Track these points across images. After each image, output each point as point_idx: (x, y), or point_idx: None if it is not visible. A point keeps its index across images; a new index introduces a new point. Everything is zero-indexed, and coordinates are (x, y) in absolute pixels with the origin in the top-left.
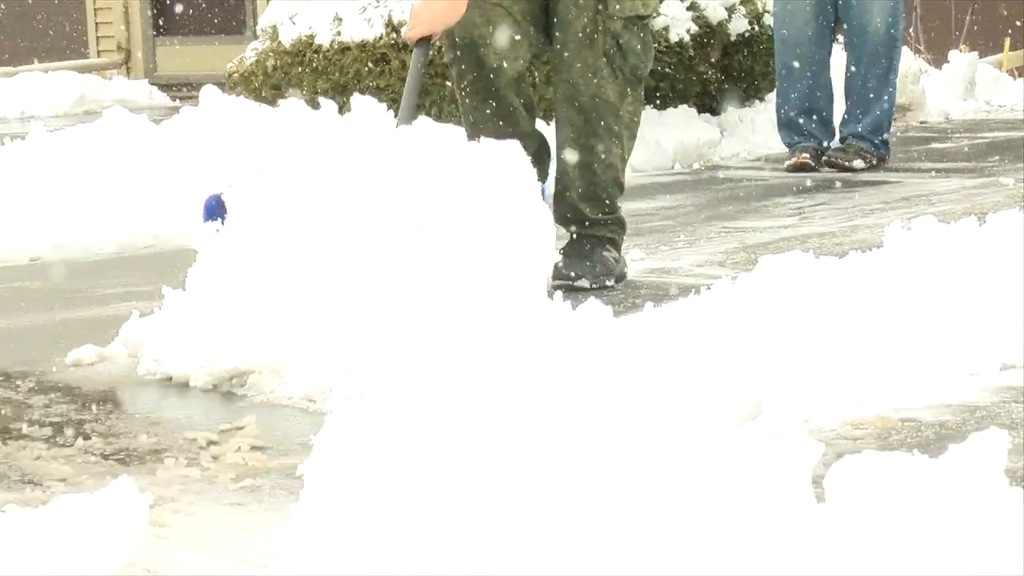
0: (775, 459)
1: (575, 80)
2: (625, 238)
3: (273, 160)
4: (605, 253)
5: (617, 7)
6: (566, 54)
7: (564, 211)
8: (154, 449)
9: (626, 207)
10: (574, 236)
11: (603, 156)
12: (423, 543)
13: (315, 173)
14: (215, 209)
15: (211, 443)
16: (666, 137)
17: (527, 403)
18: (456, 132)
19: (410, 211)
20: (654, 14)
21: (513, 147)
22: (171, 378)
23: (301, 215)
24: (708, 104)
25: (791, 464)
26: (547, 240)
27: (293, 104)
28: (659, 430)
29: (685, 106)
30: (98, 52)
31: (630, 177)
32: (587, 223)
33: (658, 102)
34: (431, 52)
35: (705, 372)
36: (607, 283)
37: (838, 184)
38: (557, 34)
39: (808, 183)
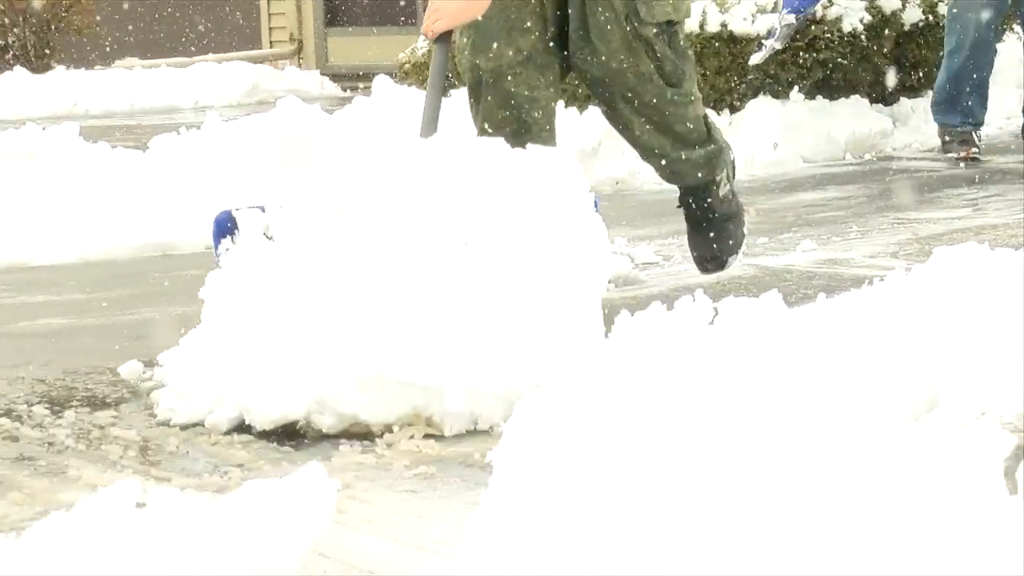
0: (966, 450)
1: (630, 87)
2: (796, 228)
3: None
4: (726, 223)
5: (647, 12)
6: (613, 65)
7: (658, 164)
8: (329, 435)
9: (797, 197)
10: (686, 210)
11: (677, 113)
12: (612, 534)
13: (356, 188)
14: (226, 226)
15: (385, 430)
16: (837, 127)
17: (704, 398)
18: (496, 141)
19: (457, 228)
20: (685, 19)
21: (562, 154)
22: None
23: (343, 235)
24: (880, 94)
25: (982, 456)
26: (602, 252)
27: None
28: (839, 420)
29: (857, 96)
30: (271, 43)
31: (801, 168)
32: (684, 164)
33: (830, 92)
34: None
35: (880, 364)
36: (740, 253)
37: (1012, 176)
38: (597, 44)
39: (982, 174)
